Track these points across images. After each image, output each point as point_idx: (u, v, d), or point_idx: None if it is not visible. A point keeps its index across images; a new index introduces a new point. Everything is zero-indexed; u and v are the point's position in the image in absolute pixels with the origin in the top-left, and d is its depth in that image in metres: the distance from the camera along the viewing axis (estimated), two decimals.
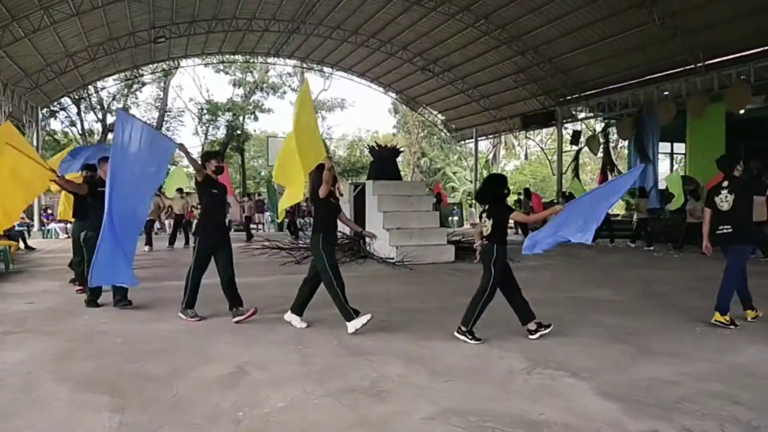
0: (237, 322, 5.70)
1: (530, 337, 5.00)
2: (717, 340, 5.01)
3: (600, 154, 22.14)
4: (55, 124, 32.22)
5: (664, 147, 20.27)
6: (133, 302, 6.54)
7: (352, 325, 5.15)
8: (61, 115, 31.76)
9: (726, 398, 3.51)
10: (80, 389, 3.74)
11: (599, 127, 23.34)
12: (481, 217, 5.21)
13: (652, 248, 14.15)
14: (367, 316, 5.16)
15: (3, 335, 5.23)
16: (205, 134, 36.08)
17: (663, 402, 3.45)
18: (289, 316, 5.55)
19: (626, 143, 22.73)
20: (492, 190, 5.17)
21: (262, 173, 36.47)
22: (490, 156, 30.85)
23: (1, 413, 3.32)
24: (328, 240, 5.45)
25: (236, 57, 28.62)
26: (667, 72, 17.46)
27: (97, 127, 33.00)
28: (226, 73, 35.05)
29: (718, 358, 4.46)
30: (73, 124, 32.32)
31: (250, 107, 35.62)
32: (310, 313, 5.66)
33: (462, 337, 4.90)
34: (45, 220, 21.84)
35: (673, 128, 17.89)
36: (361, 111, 74.39)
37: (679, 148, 20.80)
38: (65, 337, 5.16)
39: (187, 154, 5.98)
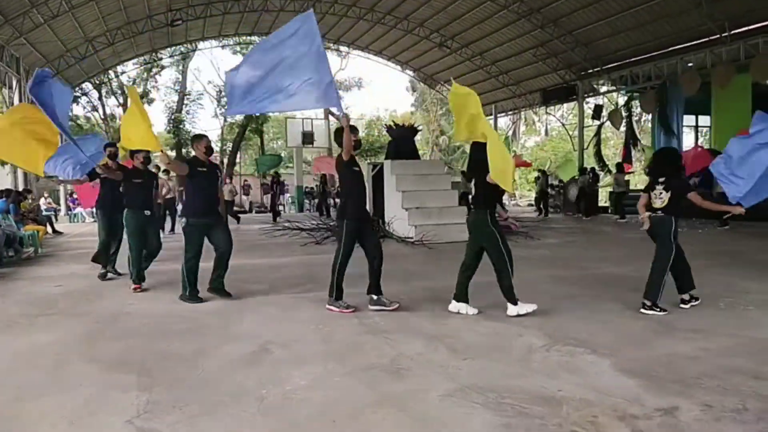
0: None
1: (681, 305, 5.16)
2: (740, 315, 4.96)
3: (623, 129, 21.75)
4: (77, 110, 32.67)
5: (688, 120, 19.83)
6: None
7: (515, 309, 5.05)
8: (83, 100, 32.20)
9: (748, 373, 3.49)
10: (108, 369, 3.86)
11: (622, 101, 22.86)
12: (649, 190, 5.26)
13: (625, 220, 14.93)
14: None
15: (34, 317, 5.40)
16: (224, 117, 36.24)
17: (683, 378, 3.44)
18: (456, 306, 5.26)
19: (650, 117, 22.29)
20: (671, 163, 5.31)
21: (282, 154, 36.57)
22: (510, 132, 30.49)
23: (32, 393, 3.45)
24: None
25: (253, 38, 28.56)
26: (692, 43, 17.01)
27: (119, 111, 33.37)
28: (244, 54, 35.00)
29: (740, 333, 4.41)
30: (95, 108, 32.75)
31: None
32: (328, 294, 5.73)
33: (650, 312, 4.96)
34: (71, 204, 22.30)
35: (698, 101, 17.48)
36: (378, 90, 74.05)
37: (704, 121, 20.32)
38: (93, 319, 5.31)
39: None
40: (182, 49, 27.66)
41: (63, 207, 22.67)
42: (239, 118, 35.99)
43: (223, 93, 35.45)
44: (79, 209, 21.21)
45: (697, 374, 3.50)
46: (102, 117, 32.79)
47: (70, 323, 5.17)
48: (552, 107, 28.77)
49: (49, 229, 14.51)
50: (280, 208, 24.99)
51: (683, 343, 4.16)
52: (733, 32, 15.57)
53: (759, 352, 3.94)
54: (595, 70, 20.80)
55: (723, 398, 3.14)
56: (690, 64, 17.17)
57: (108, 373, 3.78)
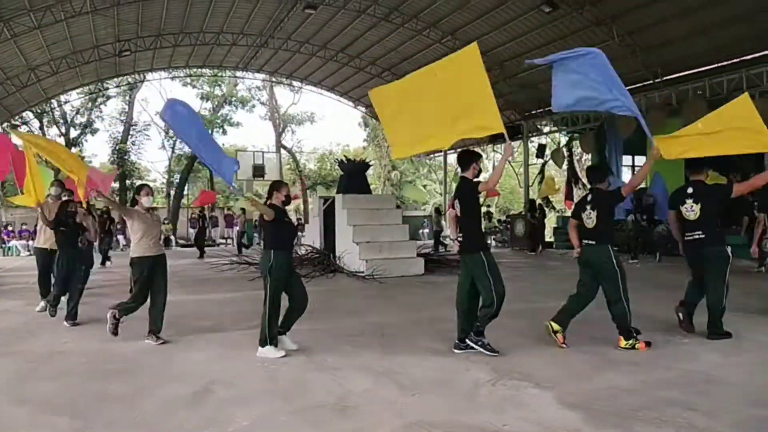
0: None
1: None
2: (677, 349, 5.14)
3: (565, 167, 22.61)
4: (16, 139, 31.39)
5: (627, 160, 20.82)
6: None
7: None
8: (23, 129, 30.97)
9: (683, 405, 3.62)
10: (40, 411, 3.66)
11: (564, 140, 23.85)
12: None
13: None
14: None
15: None
16: (172, 149, 35.53)
17: (622, 410, 3.54)
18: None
19: (590, 156, 23.27)
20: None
21: (232, 186, 36.02)
22: (459, 169, 31.13)
23: None
24: None
25: (204, 70, 28.44)
26: (627, 87, 17.92)
27: (60, 141, 32.28)
28: (194, 86, 34.71)
29: (676, 366, 4.59)
30: None
31: (219, 121, 35.28)
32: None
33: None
34: (6, 237, 21.23)
35: (635, 141, 18.40)
36: (331, 124, 74.62)
37: (641, 161, 21.38)
38: (25, 358, 5.03)
39: None
40: (129, 79, 27.16)
41: None
42: (188, 149, 35.47)
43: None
44: (13, 242, 20.20)
45: (636, 407, 3.61)
46: None
47: (0, 363, 4.88)
48: (498, 145, 29.65)
49: None
50: (228, 241, 24.53)
51: (623, 376, 4.28)
52: (665, 78, 16.60)
53: (692, 383, 4.10)
54: (539, 111, 21.64)
55: (659, 430, 3.24)
56: None
57: (40, 416, 3.58)
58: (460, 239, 5.06)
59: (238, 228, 19.66)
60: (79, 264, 6.76)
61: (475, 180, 5.09)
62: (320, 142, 59.73)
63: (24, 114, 26.75)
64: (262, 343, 4.98)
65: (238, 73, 28.57)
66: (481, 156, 5.33)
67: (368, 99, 28.17)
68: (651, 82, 16.80)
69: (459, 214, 5.08)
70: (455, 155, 30.44)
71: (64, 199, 7.16)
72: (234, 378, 4.36)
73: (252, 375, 4.47)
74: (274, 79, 29.12)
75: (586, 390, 3.98)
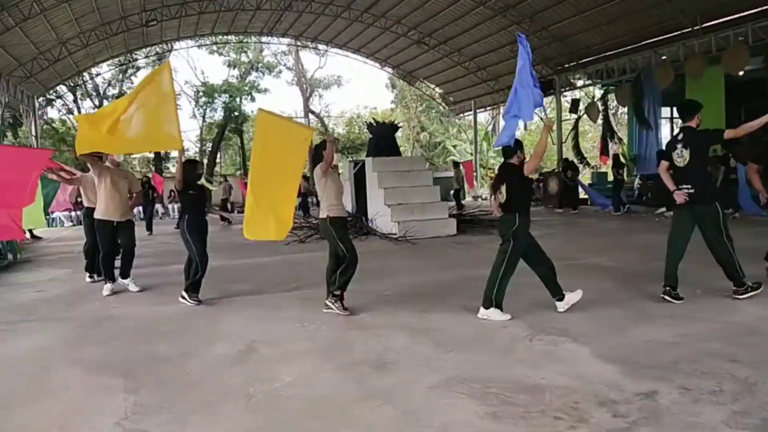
0: None
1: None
2: (717, 301, 5.07)
3: (600, 122, 22.03)
4: (52, 113, 32.06)
5: (665, 112, 20.14)
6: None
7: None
8: (58, 103, 31.66)
9: (724, 357, 3.59)
10: (94, 373, 3.85)
11: (598, 94, 23.16)
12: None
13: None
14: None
15: (15, 324, 5.34)
16: (203, 117, 35.90)
17: (661, 363, 3.54)
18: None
19: (626, 110, 22.59)
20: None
21: None
22: (490, 128, 30.61)
23: (17, 399, 3.43)
24: None
25: (229, 37, 28.35)
26: (664, 36, 17.26)
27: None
28: (220, 54, 34.73)
29: (717, 318, 4.53)
30: (70, 111, 32.19)
31: (247, 88, 35.34)
32: (313, 292, 5.76)
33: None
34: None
35: (673, 92, 17.77)
36: (358, 87, 73.98)
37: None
38: (76, 323, 5.27)
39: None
40: (157, 49, 27.30)
41: None
42: (217, 117, 35.76)
43: (200, 93, 35.23)
44: (57, 213, 20.84)
45: (674, 359, 3.60)
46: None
47: (53, 328, 5.13)
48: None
49: (27, 234, 14.26)
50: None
51: (661, 330, 4.26)
52: (704, 25, 15.84)
53: (734, 336, 4.06)
54: (571, 64, 21.01)
55: (700, 381, 3.24)
56: (663, 57, 17.43)
57: (93, 377, 3.77)
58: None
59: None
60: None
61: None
62: (348, 105, 59.41)
63: (58, 88, 27.23)
64: (487, 305, 4.80)
65: (264, 39, 28.46)
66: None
67: (394, 59, 27.79)
68: (689, 29, 16.07)
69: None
70: (484, 114, 29.94)
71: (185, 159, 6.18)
72: (276, 338, 4.50)
73: (293, 335, 4.60)
74: (299, 43, 28.90)
75: (624, 344, 3.98)
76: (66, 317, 5.55)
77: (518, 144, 5.01)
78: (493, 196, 5.17)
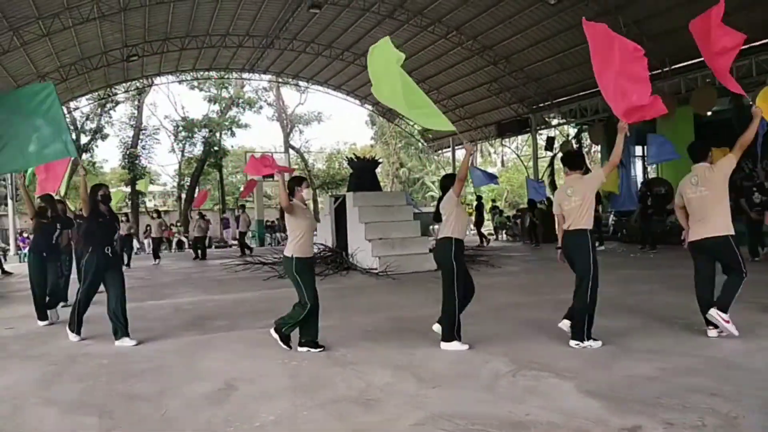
0: None
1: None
2: (696, 336, 5.11)
3: None
4: None
5: (637, 150, 20.67)
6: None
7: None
8: None
9: (705, 391, 3.62)
10: (68, 412, 3.73)
11: (573, 132, 23.79)
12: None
13: (602, 248, 14.56)
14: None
15: None
16: (182, 151, 35.81)
17: (644, 398, 3.55)
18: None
19: (599, 148, 23.15)
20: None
21: (241, 188, 36.19)
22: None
23: None
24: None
25: (211, 73, 28.59)
26: None
27: None
28: (201, 89, 34.90)
29: (697, 352, 4.58)
30: None
31: (227, 123, 35.45)
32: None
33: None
34: (21, 244, 21.48)
35: (644, 131, 18.30)
36: (338, 123, 74.77)
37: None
38: (49, 361, 5.11)
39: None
40: (138, 84, 27.37)
41: (12, 247, 21.81)
42: (197, 152, 35.67)
43: (180, 128, 35.19)
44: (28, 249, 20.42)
45: (657, 393, 3.62)
46: None
47: (25, 366, 4.97)
48: (507, 139, 29.62)
49: None
50: (234, 242, 23.43)
51: (643, 365, 4.29)
52: (673, 67, 16.49)
53: (714, 369, 4.10)
54: (546, 104, 21.60)
55: (683, 416, 3.25)
56: None
57: (68, 416, 3.65)
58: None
59: (239, 228, 18.66)
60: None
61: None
62: (328, 141, 60.00)
63: None
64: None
65: (245, 75, 28.75)
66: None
67: (374, 97, 28.31)
68: (659, 71, 16.69)
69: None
70: (462, 150, 30.48)
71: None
72: (255, 375, 4.41)
73: (273, 372, 4.52)
74: (280, 80, 29.22)
75: (606, 378, 4.00)
76: (38, 354, 5.39)
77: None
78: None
